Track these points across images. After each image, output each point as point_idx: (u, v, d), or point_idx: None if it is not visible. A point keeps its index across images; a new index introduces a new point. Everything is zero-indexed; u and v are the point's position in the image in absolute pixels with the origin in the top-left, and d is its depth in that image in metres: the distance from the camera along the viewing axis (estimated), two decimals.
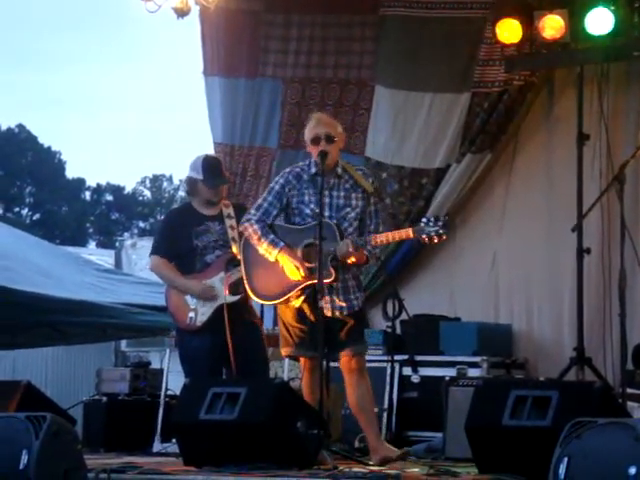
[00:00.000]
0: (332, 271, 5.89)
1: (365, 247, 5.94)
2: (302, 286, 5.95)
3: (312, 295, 5.92)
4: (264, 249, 6.01)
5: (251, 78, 9.09)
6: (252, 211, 6.14)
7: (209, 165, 6.69)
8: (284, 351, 6.11)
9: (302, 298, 5.98)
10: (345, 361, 6.01)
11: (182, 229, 6.66)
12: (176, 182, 41.08)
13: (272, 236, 6.01)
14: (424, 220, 5.91)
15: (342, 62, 8.81)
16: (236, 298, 6.50)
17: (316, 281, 5.84)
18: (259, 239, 6.02)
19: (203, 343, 6.51)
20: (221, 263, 6.58)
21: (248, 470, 5.26)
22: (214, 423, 5.57)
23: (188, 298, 6.59)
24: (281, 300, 6.02)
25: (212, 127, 9.30)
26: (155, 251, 6.77)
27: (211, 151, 9.28)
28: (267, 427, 5.46)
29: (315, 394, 5.85)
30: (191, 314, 6.55)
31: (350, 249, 5.88)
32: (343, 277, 6.02)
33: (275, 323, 8.03)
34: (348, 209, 6.05)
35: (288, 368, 7.34)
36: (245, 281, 6.15)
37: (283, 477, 5.10)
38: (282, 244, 5.97)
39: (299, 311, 6.01)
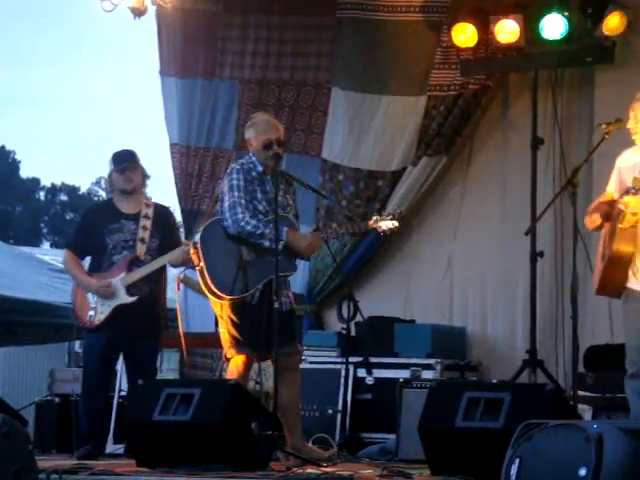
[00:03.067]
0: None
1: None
2: (267, 279, 5.96)
3: (268, 290, 5.94)
4: (267, 245, 5.99)
5: (208, 79, 9.07)
6: (238, 210, 6.00)
7: (118, 154, 6.88)
8: (233, 352, 6.03)
9: (257, 294, 6.00)
10: (283, 358, 5.95)
11: (98, 226, 6.78)
12: None
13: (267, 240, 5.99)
14: (376, 216, 6.22)
15: (299, 64, 8.81)
16: (133, 299, 6.63)
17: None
18: (263, 233, 5.99)
19: (98, 340, 6.68)
20: (124, 263, 6.70)
21: (201, 471, 5.25)
22: (168, 424, 5.56)
23: (90, 296, 6.72)
24: (248, 294, 5.99)
25: (168, 127, 9.27)
26: (67, 245, 7.05)
27: (167, 153, 9.27)
28: (221, 428, 5.45)
29: None
30: (91, 312, 6.70)
31: (320, 242, 6.06)
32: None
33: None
34: (289, 208, 6.17)
35: None
36: (206, 275, 6.06)
37: (237, 478, 5.10)
38: (285, 229, 5.97)
39: (251, 307, 6.00)
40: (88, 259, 6.94)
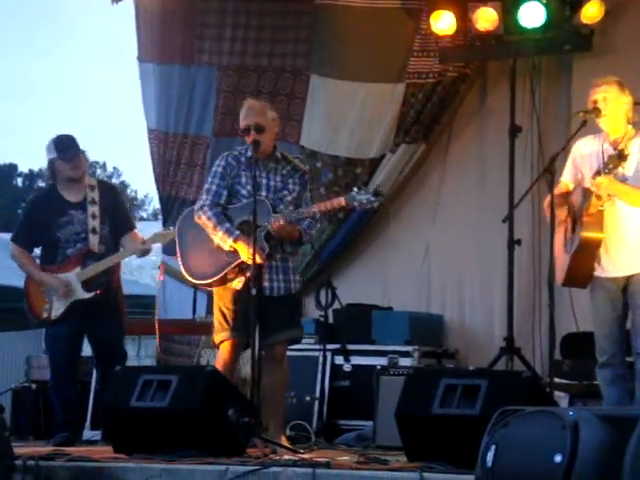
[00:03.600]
0: (265, 245, 5.93)
1: (299, 223, 6.02)
2: (237, 263, 5.97)
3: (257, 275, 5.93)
4: (219, 238, 6.01)
5: (186, 65, 9.03)
6: (203, 196, 6.12)
7: (60, 141, 6.71)
8: (220, 337, 6.06)
9: (242, 279, 6.00)
10: (272, 346, 5.99)
11: (46, 219, 6.67)
12: (110, 169, 40.78)
13: (227, 225, 6.01)
14: (355, 189, 6.02)
15: (277, 50, 8.79)
16: (91, 295, 6.59)
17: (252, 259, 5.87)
18: (214, 228, 6.02)
19: (60, 329, 6.62)
20: (78, 258, 6.64)
21: (178, 457, 5.24)
22: (145, 410, 5.55)
23: (44, 290, 6.65)
24: (217, 278, 6.02)
25: (146, 114, 9.23)
26: (15, 239, 6.84)
27: (145, 139, 9.24)
28: (198, 415, 5.44)
29: (232, 378, 5.93)
30: (46, 306, 6.64)
31: (281, 222, 5.95)
32: (282, 256, 6.08)
33: (208, 311, 8.06)
34: (285, 192, 6.13)
35: None
36: (180, 262, 6.16)
37: (213, 464, 5.09)
38: (237, 233, 5.97)
39: (238, 293, 6.03)
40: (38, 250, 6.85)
